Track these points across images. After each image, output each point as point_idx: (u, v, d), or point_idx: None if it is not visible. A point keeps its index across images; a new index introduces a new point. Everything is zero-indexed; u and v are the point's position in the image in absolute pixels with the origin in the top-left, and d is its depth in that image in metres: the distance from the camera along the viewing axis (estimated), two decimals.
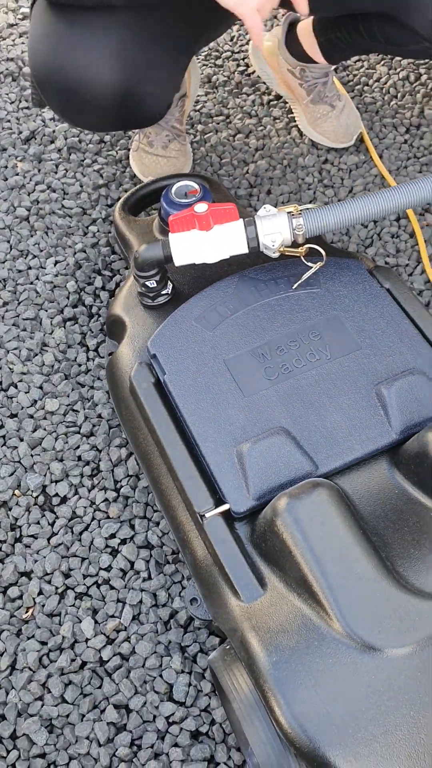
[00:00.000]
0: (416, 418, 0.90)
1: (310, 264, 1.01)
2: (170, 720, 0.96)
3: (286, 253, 0.99)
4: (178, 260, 0.97)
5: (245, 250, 0.98)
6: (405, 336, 0.98)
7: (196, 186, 1.11)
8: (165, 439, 0.90)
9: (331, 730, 0.69)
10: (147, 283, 1.01)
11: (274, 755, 0.73)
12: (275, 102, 1.67)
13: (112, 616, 1.03)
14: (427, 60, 1.73)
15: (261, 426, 0.90)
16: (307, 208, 0.99)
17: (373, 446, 0.89)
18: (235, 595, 0.79)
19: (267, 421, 0.90)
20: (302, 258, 1.00)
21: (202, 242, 0.96)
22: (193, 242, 0.96)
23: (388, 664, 0.71)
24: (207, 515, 0.84)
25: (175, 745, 0.94)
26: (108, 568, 1.07)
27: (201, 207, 0.95)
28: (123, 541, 1.09)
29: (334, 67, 1.53)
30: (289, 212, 0.98)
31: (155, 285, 1.02)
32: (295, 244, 1.00)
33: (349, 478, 0.88)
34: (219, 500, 0.86)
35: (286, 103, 1.66)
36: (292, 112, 1.63)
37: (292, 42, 1.52)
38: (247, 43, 1.78)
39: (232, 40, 1.82)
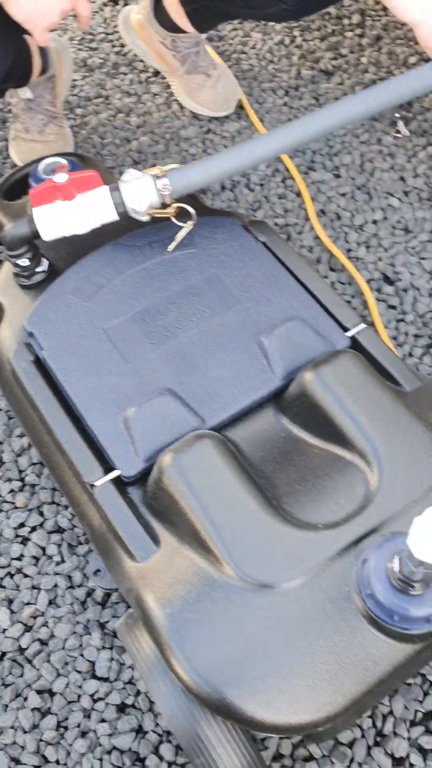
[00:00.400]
0: (297, 362, 0.90)
1: (181, 224, 1.00)
2: (95, 697, 0.95)
3: (157, 216, 0.98)
4: (46, 234, 0.95)
5: (115, 217, 0.97)
6: (282, 285, 0.98)
7: (65, 162, 1.10)
8: (48, 415, 0.89)
9: (230, 674, 0.68)
10: (19, 261, 0.99)
11: (179, 709, 0.73)
12: (153, 78, 1.66)
13: (28, 604, 1.01)
14: (300, 22, 1.75)
15: (146, 390, 0.89)
16: (172, 168, 0.99)
17: (258, 395, 0.89)
18: (130, 556, 0.79)
19: (151, 384, 0.90)
20: (173, 219, 1.00)
21: (67, 213, 0.94)
22: (58, 214, 0.94)
23: (281, 598, 0.71)
24: (97, 484, 0.83)
25: (102, 720, 0.93)
26: (20, 557, 1.05)
27: (60, 177, 0.94)
28: (33, 529, 1.07)
29: (205, 35, 1.53)
30: (153, 174, 0.98)
31: (28, 263, 1.00)
32: (164, 206, 0.99)
33: (239, 428, 0.88)
34: (109, 468, 0.85)
35: (165, 78, 1.65)
36: (171, 87, 1.62)
37: (160, 13, 1.51)
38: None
39: (104, 21, 1.80)
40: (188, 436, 0.81)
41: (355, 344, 0.94)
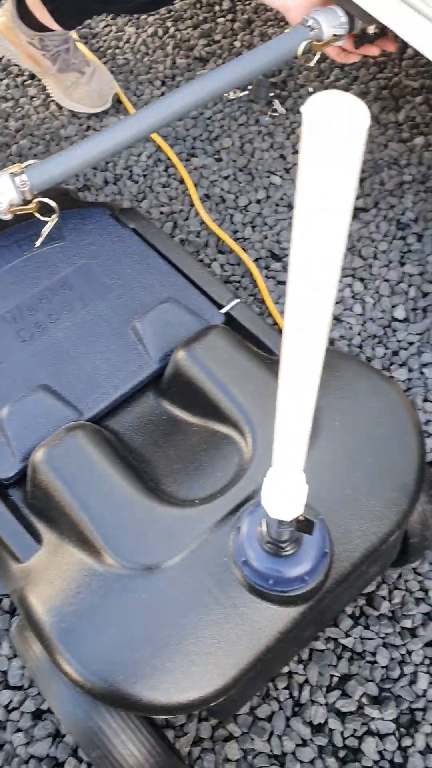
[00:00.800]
0: (172, 343, 0.89)
1: (46, 219, 0.99)
2: (9, 707, 0.93)
3: (19, 213, 0.97)
4: None
5: None
6: (154, 269, 0.98)
7: None
8: None
9: (115, 662, 0.67)
10: None
11: (70, 706, 0.71)
12: (30, 81, 1.64)
13: None
14: (171, 13, 1.75)
15: (20, 389, 0.87)
16: (30, 164, 0.97)
17: (136, 380, 0.88)
18: (13, 557, 0.77)
19: (25, 382, 0.88)
20: (36, 214, 0.98)
21: None
22: None
23: (162, 578, 0.70)
24: None
25: (18, 730, 0.91)
26: None
27: None
28: None
29: (72, 32, 1.51)
30: (11, 172, 0.96)
31: None
32: (27, 202, 0.97)
33: (120, 416, 0.88)
34: None
35: (41, 80, 1.63)
36: (47, 88, 1.60)
37: (24, 13, 1.49)
38: None
39: None
40: (59, 430, 0.80)
41: (230, 319, 0.93)
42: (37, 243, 0.99)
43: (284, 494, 0.56)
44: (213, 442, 0.80)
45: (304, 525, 0.61)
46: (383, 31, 1.12)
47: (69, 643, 0.68)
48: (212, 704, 0.69)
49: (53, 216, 0.98)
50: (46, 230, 0.99)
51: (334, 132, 0.28)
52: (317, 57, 1.08)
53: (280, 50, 1.05)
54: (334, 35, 1.07)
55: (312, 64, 1.08)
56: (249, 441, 0.77)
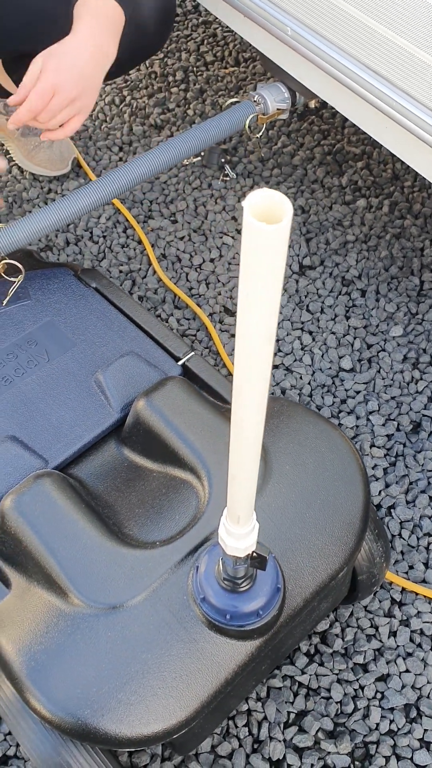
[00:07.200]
0: (133, 394, 0.95)
1: (12, 279, 1.04)
2: None
3: None
4: None
5: None
6: (114, 325, 1.04)
7: None
8: None
9: (82, 697, 0.71)
10: None
11: (40, 743, 0.74)
12: None
13: None
14: (127, 82, 1.85)
15: None
16: None
17: (99, 429, 0.93)
18: None
19: None
20: (2, 275, 1.04)
21: None
22: None
23: (125, 617, 0.74)
24: None
25: None
26: None
27: None
28: None
29: None
30: None
31: None
32: None
33: (84, 464, 0.92)
34: None
35: (3, 144, 1.70)
36: (9, 152, 1.67)
37: None
38: None
39: None
40: (27, 478, 0.84)
41: (186, 371, 1.00)
42: (4, 302, 1.05)
43: (238, 532, 0.61)
44: (172, 487, 0.85)
45: (257, 561, 0.66)
46: (324, 104, 1.22)
47: (38, 681, 0.71)
48: (175, 736, 0.72)
49: (19, 276, 1.04)
50: (12, 290, 1.04)
51: (265, 222, 0.36)
52: (263, 129, 1.17)
53: (228, 123, 1.14)
54: (278, 109, 1.17)
55: (259, 135, 1.17)
56: (205, 485, 0.83)
